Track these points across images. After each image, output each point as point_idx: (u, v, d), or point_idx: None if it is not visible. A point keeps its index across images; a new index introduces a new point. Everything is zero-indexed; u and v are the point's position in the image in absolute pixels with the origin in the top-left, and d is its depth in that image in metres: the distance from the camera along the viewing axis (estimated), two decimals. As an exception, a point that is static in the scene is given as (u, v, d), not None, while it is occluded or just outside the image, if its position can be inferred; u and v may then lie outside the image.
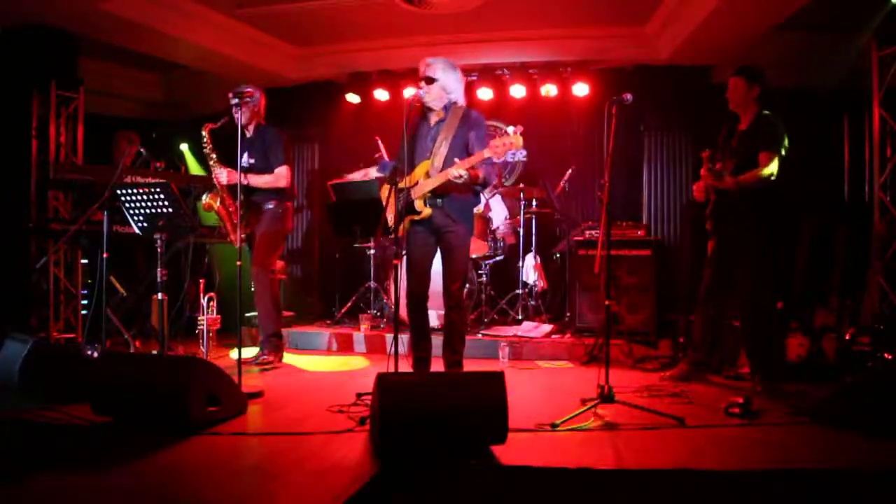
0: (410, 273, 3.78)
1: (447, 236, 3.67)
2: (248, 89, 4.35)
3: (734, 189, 3.77)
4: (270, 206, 4.53)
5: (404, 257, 3.92)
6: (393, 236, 3.66)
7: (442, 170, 3.55)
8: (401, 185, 3.57)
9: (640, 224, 5.58)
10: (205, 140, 4.38)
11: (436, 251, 3.77)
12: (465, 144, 3.63)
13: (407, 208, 3.64)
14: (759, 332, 3.86)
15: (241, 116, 3.88)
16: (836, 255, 4.95)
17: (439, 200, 3.62)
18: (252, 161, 4.48)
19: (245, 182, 4.35)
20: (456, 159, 3.50)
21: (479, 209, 5.67)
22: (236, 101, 4.05)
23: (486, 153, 3.38)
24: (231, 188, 4.43)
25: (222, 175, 4.41)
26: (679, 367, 4.18)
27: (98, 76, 6.23)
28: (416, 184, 3.65)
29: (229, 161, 4.37)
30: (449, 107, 3.69)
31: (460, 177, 3.43)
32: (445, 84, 3.64)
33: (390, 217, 3.69)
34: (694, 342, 4.15)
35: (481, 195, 3.88)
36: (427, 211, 3.61)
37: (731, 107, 3.97)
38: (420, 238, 3.72)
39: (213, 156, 4.41)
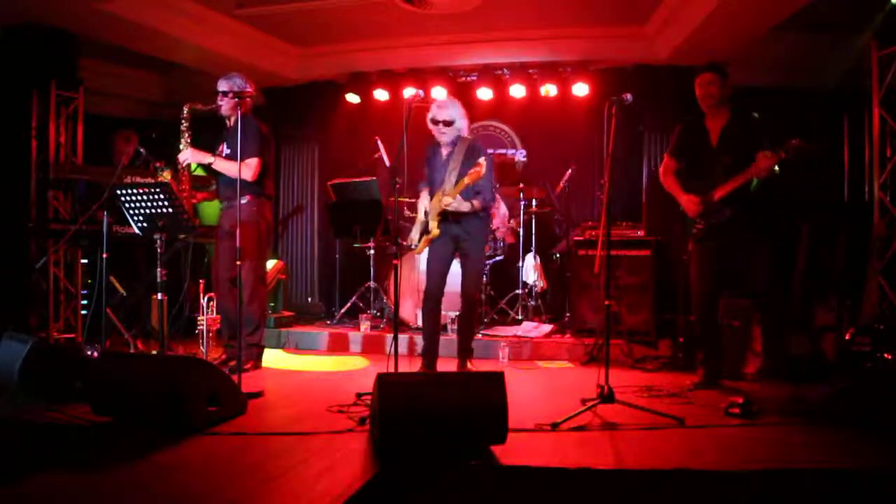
0: (428, 276, 4.28)
1: (464, 245, 4.20)
2: (249, 88, 4.34)
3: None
4: (243, 202, 4.30)
5: (425, 261, 4.38)
6: (393, 237, 3.83)
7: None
8: (426, 208, 4.27)
9: (640, 224, 5.58)
10: (184, 116, 4.29)
11: (453, 258, 4.29)
12: None
13: (424, 229, 4.25)
14: (774, 332, 3.84)
15: (239, 113, 3.87)
16: (836, 255, 4.95)
17: (454, 222, 4.15)
18: (228, 151, 4.39)
19: (215, 167, 4.31)
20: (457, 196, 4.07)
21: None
22: (234, 99, 4.04)
23: (466, 180, 3.94)
24: (191, 175, 4.37)
25: (186, 154, 4.28)
26: (700, 376, 3.98)
27: (98, 76, 6.23)
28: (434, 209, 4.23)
29: (204, 146, 4.33)
30: (457, 140, 4.23)
31: (449, 205, 4.05)
32: (460, 125, 4.22)
33: (416, 228, 4.33)
34: (705, 353, 4.00)
35: (489, 213, 4.50)
36: (436, 232, 4.15)
37: (707, 105, 3.91)
38: (439, 246, 4.22)
39: (187, 135, 4.31)
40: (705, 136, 3.94)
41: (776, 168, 3.59)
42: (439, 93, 6.48)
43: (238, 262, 3.73)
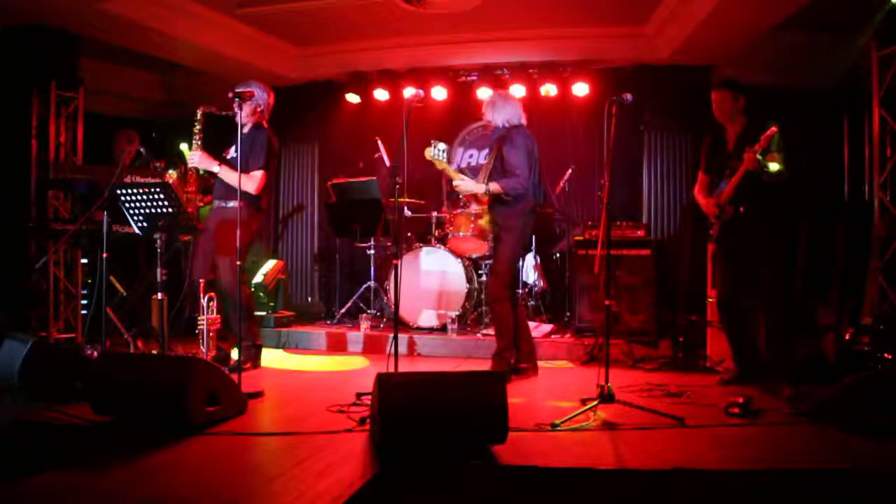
0: None
1: (495, 234, 4.23)
2: (250, 88, 4.31)
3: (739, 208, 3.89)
4: (231, 205, 4.27)
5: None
6: (393, 237, 3.81)
7: (488, 182, 4.18)
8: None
9: (640, 224, 5.57)
10: (198, 119, 4.26)
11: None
12: (502, 159, 4.18)
13: None
14: (783, 332, 3.87)
15: (240, 115, 3.87)
16: (836, 255, 4.94)
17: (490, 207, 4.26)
18: (234, 155, 4.32)
19: (221, 176, 4.31)
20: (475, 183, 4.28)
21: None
22: (253, 107, 4.06)
23: (456, 182, 4.28)
24: (198, 178, 4.36)
25: (195, 157, 4.26)
26: (732, 373, 4.11)
27: (98, 76, 6.22)
28: None
29: (215, 150, 4.34)
30: (501, 128, 4.26)
31: (458, 187, 4.29)
32: (508, 117, 4.24)
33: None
34: (732, 353, 4.12)
35: (522, 199, 4.16)
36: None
37: (719, 119, 4.04)
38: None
39: (199, 138, 4.28)
40: (725, 143, 4.06)
41: (762, 160, 3.64)
42: (439, 92, 6.49)
43: (239, 263, 3.74)
